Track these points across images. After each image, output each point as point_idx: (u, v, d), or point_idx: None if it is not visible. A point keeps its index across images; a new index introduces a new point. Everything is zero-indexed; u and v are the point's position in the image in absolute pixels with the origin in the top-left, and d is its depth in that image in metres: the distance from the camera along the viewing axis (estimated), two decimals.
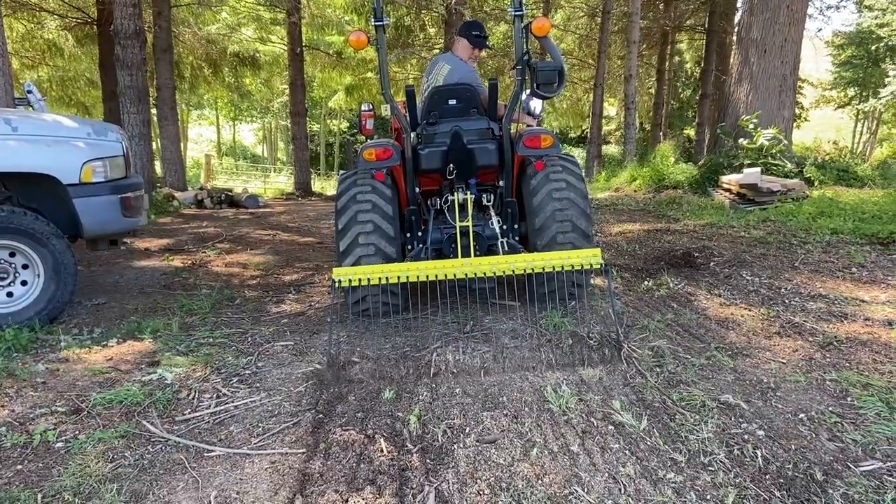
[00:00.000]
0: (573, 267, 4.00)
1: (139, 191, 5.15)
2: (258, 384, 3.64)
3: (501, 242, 4.63)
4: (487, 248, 4.75)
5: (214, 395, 3.50)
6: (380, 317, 4.70)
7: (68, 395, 3.48)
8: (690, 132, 34.64)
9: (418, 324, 4.61)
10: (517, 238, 4.92)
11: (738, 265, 5.61)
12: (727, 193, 9.31)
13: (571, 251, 4.11)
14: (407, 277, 4.01)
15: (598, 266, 3.98)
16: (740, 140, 10.39)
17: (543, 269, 4.03)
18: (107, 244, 5.19)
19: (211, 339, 4.38)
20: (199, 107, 42.62)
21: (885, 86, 35.60)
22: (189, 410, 3.33)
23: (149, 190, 11.44)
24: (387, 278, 4.02)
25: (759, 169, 9.27)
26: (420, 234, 4.93)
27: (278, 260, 6.99)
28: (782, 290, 4.96)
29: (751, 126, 10.37)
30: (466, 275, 4.04)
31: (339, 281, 4.00)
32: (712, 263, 5.71)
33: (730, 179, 9.37)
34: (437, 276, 4.01)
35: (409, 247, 4.94)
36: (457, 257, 4.46)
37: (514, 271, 4.06)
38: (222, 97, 36.43)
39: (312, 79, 25.92)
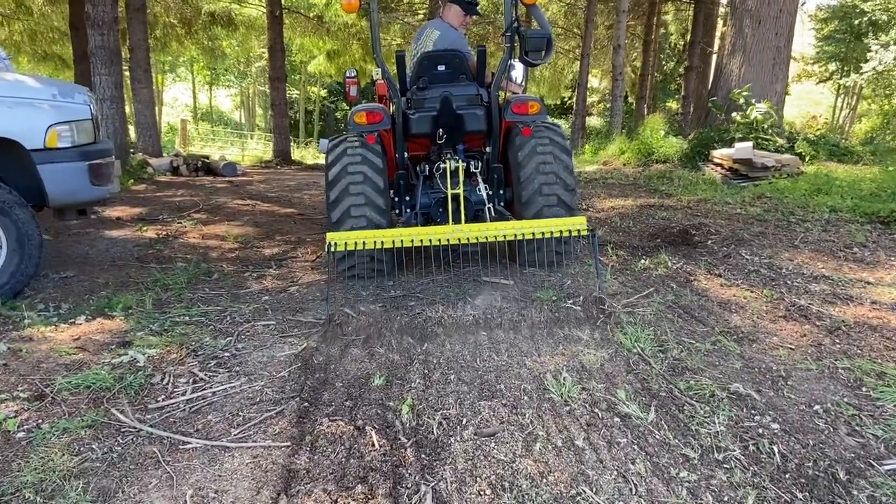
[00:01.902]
0: (561, 233, 4.15)
1: (109, 157, 4.83)
2: (238, 368, 3.41)
3: (488, 208, 4.74)
4: (474, 213, 4.86)
5: (190, 380, 3.26)
6: (369, 279, 4.75)
7: (31, 378, 3.22)
8: (673, 105, 34.44)
9: (409, 303, 4.39)
10: (503, 203, 5.02)
11: (737, 243, 5.44)
12: (719, 168, 9.14)
13: (558, 219, 4.25)
14: (402, 242, 4.11)
15: (585, 233, 4.13)
16: (732, 114, 10.20)
17: (534, 235, 4.16)
18: (75, 214, 4.88)
19: (187, 318, 4.11)
20: (173, 69, 41.49)
21: (866, 61, 35.52)
22: (163, 397, 3.09)
23: (122, 156, 11.03)
24: (381, 243, 4.12)
25: (751, 143, 9.10)
26: (408, 198, 5.00)
27: (258, 232, 6.69)
28: (784, 270, 4.81)
29: (742, 99, 10.17)
30: (459, 240, 4.18)
31: (335, 245, 4.09)
32: (710, 241, 5.54)
33: (722, 154, 9.19)
34: (430, 242, 4.14)
35: (397, 210, 5.04)
36: (446, 222, 4.53)
37: (504, 237, 4.19)
38: (198, 60, 35.44)
39: (292, 43, 25.20)
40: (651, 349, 3.51)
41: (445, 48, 5.07)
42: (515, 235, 4.19)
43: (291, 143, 25.06)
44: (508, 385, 3.15)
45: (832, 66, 40.66)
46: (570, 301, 4.22)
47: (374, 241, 4.13)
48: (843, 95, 44.56)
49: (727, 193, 7.69)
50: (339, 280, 4.81)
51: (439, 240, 4.15)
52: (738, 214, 6.56)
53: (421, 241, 4.14)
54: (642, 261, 5.10)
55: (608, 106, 37.45)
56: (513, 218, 4.83)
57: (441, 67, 4.92)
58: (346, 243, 4.12)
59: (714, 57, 25.60)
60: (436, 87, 4.89)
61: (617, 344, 3.59)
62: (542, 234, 4.16)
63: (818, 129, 11.23)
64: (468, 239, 4.18)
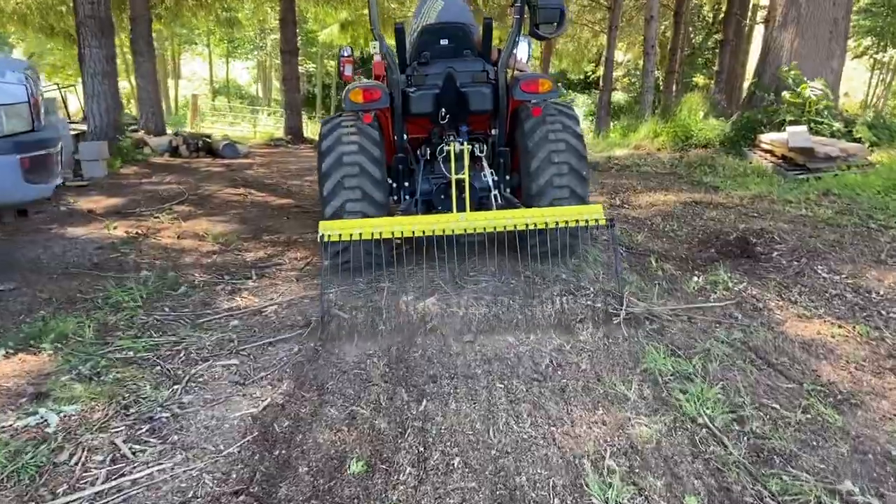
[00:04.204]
0: (577, 223, 3.77)
1: (50, 148, 4.01)
2: (176, 437, 2.59)
3: (495, 195, 4.40)
4: (479, 200, 4.52)
5: (108, 458, 2.45)
6: (363, 271, 4.31)
7: None
8: (699, 80, 32.93)
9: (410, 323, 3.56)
10: (509, 189, 4.72)
11: (809, 256, 4.50)
12: (768, 156, 8.13)
13: (573, 207, 3.93)
14: (402, 233, 3.75)
15: (603, 223, 3.76)
16: (782, 93, 9.13)
17: (546, 225, 3.78)
18: (13, 214, 4.10)
19: (131, 353, 3.31)
20: (190, 41, 40.59)
21: None
22: (65, 487, 2.29)
23: (113, 136, 10.27)
24: (380, 233, 3.74)
25: (804, 127, 8.08)
26: (407, 184, 4.70)
27: (244, 230, 5.84)
28: (873, 294, 3.89)
29: (790, 78, 9.10)
30: (465, 230, 3.79)
31: (328, 236, 3.68)
32: (775, 253, 4.60)
33: (772, 140, 8.17)
34: (433, 232, 3.77)
35: (395, 197, 4.73)
36: (449, 210, 4.14)
37: (515, 227, 3.83)
38: (214, 32, 34.43)
39: (306, 13, 24.17)
40: (722, 417, 2.64)
41: (449, 20, 4.71)
42: (527, 225, 3.81)
43: (306, 119, 24.18)
44: (532, 478, 2.30)
45: (866, 42, 38.80)
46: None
47: (372, 231, 3.73)
48: (878, 71, 42.63)
49: (785, 188, 6.68)
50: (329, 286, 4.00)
51: (443, 230, 3.77)
52: (803, 217, 5.58)
53: (423, 231, 3.76)
54: (695, 278, 4.19)
55: (632, 80, 36.09)
56: (521, 205, 4.47)
57: (444, 41, 4.58)
58: (340, 234, 3.71)
59: (745, 29, 24.20)
60: (438, 62, 4.51)
61: (675, 408, 2.73)
62: (556, 223, 3.77)
63: (857, 109, 10.09)
64: (475, 228, 3.80)
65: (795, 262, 4.41)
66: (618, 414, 2.70)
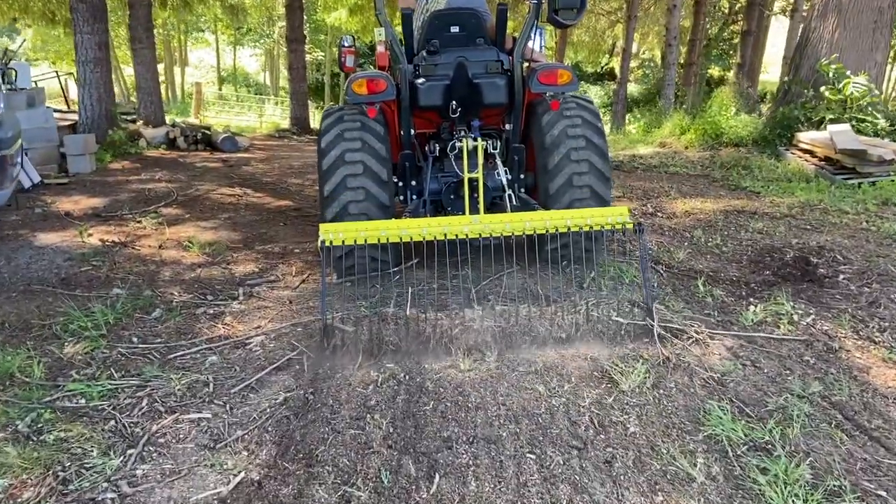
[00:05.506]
0: (602, 227, 3.45)
1: (3, 149, 3.45)
2: None
3: (509, 195, 4.08)
4: (491, 200, 4.23)
5: None
6: (368, 275, 3.89)
7: None
8: (714, 72, 32.07)
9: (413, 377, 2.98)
10: (524, 189, 4.42)
11: (882, 281, 3.89)
12: (808, 157, 7.49)
13: (595, 209, 3.55)
14: (411, 238, 3.42)
15: (630, 227, 3.41)
16: (820, 88, 8.47)
17: (569, 229, 3.44)
18: None
19: (83, 401, 2.75)
20: (197, 28, 39.97)
21: None
22: None
23: (105, 127, 9.74)
24: (387, 238, 3.41)
25: (847, 126, 7.45)
26: (414, 183, 4.40)
27: (234, 238, 5.25)
28: None
29: (831, 71, 8.44)
30: (480, 234, 3.46)
31: (330, 241, 3.30)
32: (841, 277, 3.99)
33: (813, 139, 7.53)
34: (444, 235, 3.42)
35: (402, 197, 4.44)
36: (461, 212, 3.90)
37: (534, 231, 3.45)
38: (222, 20, 33.79)
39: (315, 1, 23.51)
40: None
41: (460, 6, 4.42)
42: (547, 229, 3.45)
43: (314, 109, 23.55)
44: None
45: None
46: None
47: (378, 236, 3.39)
48: None
49: (837, 196, 6.04)
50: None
51: (455, 233, 3.42)
52: (865, 231, 4.95)
53: (433, 234, 3.42)
54: (752, 307, 3.59)
55: (645, 72, 35.24)
56: (539, 207, 4.15)
57: (454, 29, 4.29)
58: (343, 238, 3.34)
59: (761, 19, 23.37)
60: (448, 51, 4.22)
61: (755, 495, 2.15)
62: (579, 227, 3.43)
63: None
64: (490, 232, 3.45)
65: (867, 288, 3.80)
66: (682, 502, 2.13)
